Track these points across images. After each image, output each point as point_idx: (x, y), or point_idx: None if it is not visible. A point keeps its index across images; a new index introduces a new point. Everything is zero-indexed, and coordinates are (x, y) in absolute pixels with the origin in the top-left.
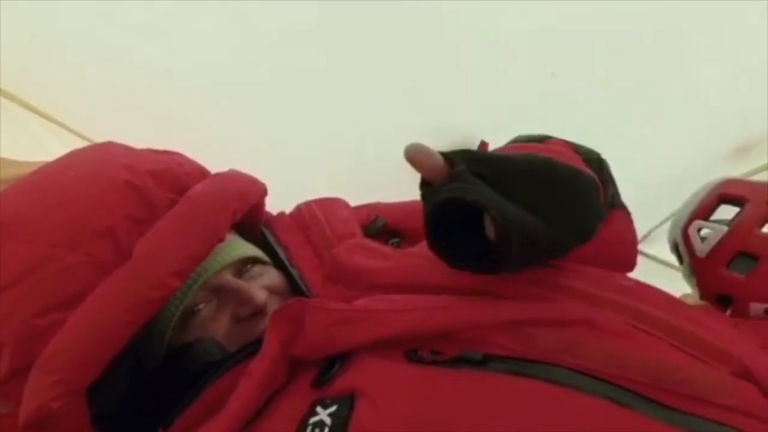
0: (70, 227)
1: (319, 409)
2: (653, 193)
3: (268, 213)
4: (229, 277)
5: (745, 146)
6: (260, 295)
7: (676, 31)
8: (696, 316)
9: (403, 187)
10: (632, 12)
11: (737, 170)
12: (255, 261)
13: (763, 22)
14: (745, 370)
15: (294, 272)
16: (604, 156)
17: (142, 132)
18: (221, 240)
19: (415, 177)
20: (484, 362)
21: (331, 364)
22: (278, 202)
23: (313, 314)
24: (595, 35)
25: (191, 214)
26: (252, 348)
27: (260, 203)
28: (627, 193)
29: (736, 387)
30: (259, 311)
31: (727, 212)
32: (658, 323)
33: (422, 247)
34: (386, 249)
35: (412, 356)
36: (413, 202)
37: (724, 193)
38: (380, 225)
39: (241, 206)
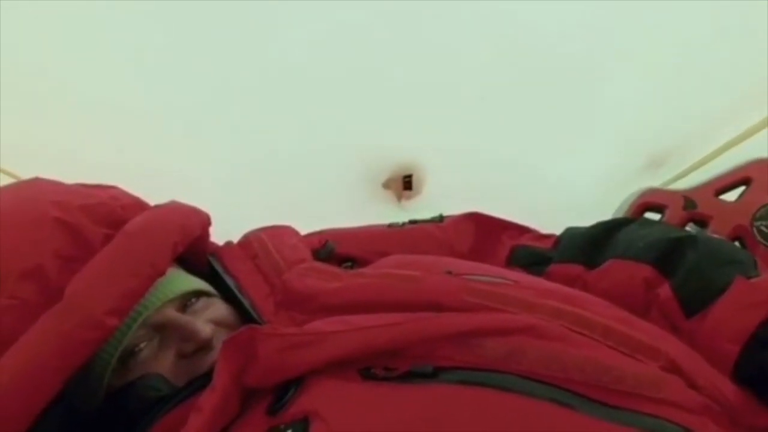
0: None
1: None
2: (582, 202)
3: (213, 243)
4: (171, 313)
5: (659, 159)
6: (205, 329)
7: (590, 49)
8: (627, 318)
9: (345, 216)
10: (551, 32)
11: (652, 182)
12: (199, 294)
13: (676, 38)
14: (672, 364)
15: (245, 301)
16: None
17: (73, 168)
18: (161, 274)
19: (359, 204)
20: (434, 374)
21: (285, 390)
22: (223, 232)
23: (265, 341)
24: (516, 58)
25: (127, 248)
26: (201, 381)
27: (204, 234)
28: (551, 204)
29: (664, 380)
30: (204, 346)
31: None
32: (594, 326)
33: (373, 267)
34: (337, 270)
35: (366, 374)
36: (364, 228)
37: (648, 202)
38: (330, 249)
39: (183, 239)
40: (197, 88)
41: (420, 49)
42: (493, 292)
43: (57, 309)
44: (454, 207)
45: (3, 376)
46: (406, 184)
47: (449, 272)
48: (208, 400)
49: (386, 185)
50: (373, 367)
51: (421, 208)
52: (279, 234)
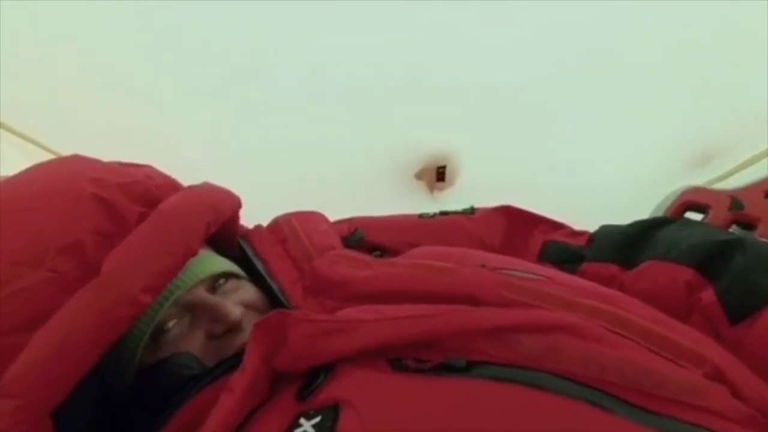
0: (32, 243)
1: (302, 420)
2: (617, 201)
3: (243, 226)
4: (202, 294)
5: (704, 157)
6: (235, 311)
7: (631, 44)
8: (667, 320)
9: (376, 206)
10: (590, 29)
11: (697, 180)
12: (229, 275)
13: (726, 33)
14: (717, 371)
15: (274, 285)
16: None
17: (109, 146)
18: (194, 254)
19: (390, 195)
20: (467, 369)
21: (315, 375)
22: (252, 216)
23: (296, 326)
24: (555, 53)
25: (163, 227)
26: (232, 362)
27: (235, 216)
28: (591, 201)
29: (708, 388)
30: (234, 328)
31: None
32: (633, 327)
33: (405, 257)
34: (368, 258)
35: (397, 365)
36: (394, 218)
37: (690, 201)
38: (359, 237)
39: (215, 219)
40: (232, 74)
41: (458, 41)
42: (530, 288)
43: (93, 285)
44: (487, 200)
45: (41, 349)
46: (440, 175)
47: (483, 266)
48: (239, 380)
49: (419, 176)
50: (404, 358)
51: (453, 200)
52: (309, 219)
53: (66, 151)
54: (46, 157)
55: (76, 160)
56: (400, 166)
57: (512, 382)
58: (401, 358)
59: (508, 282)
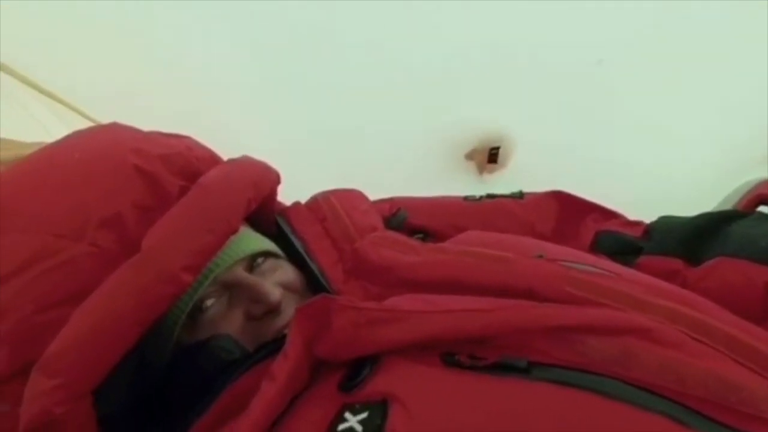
0: (74, 215)
1: (348, 415)
2: (678, 195)
3: (281, 203)
4: (241, 273)
5: None
6: (275, 292)
7: (705, 29)
8: (750, 327)
9: (424, 183)
10: (678, 16)
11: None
12: (268, 255)
13: None
14: None
15: (313, 266)
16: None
17: (149, 116)
18: (235, 232)
19: (435, 173)
20: (528, 370)
21: (360, 366)
22: (290, 194)
23: (341, 312)
24: (635, 32)
25: (204, 202)
26: (272, 347)
27: (273, 192)
28: (662, 193)
29: None
30: (273, 309)
31: None
32: (717, 334)
33: (454, 243)
34: (415, 243)
35: (449, 360)
36: (438, 199)
37: (763, 194)
38: (402, 218)
39: (256, 196)
40: (276, 50)
41: (521, 20)
42: (597, 284)
43: (134, 261)
44: (537, 186)
45: (81, 326)
46: (492, 156)
47: (540, 256)
48: (282, 367)
49: (469, 156)
50: (457, 353)
51: (502, 183)
52: (349, 198)
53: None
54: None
55: (116, 128)
56: (450, 146)
57: (578, 387)
58: (454, 353)
59: (571, 276)
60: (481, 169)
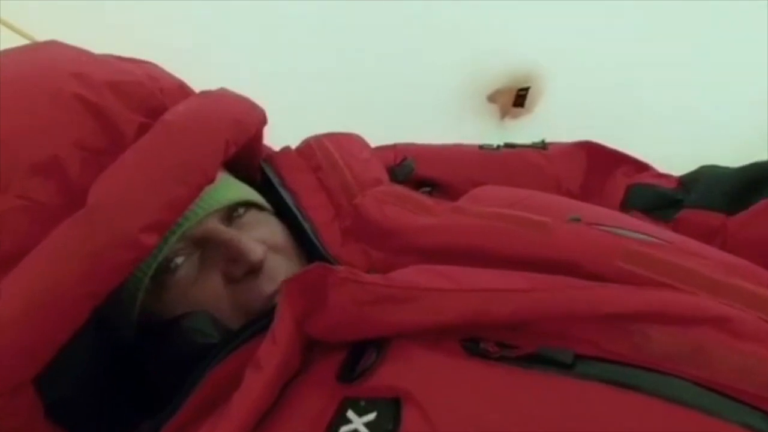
0: None
1: (351, 414)
2: (723, 152)
3: (267, 148)
4: (216, 226)
5: None
6: (257, 249)
7: None
8: None
9: (435, 126)
10: None
11: None
12: (249, 205)
13: None
14: None
15: (305, 224)
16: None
17: (106, 38)
18: (211, 181)
19: (450, 117)
20: (573, 364)
21: (361, 349)
22: (280, 135)
23: (341, 287)
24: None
25: (170, 144)
26: (257, 325)
27: (258, 134)
28: (694, 147)
29: None
30: (254, 269)
31: None
32: None
33: (472, 201)
34: (429, 200)
35: (473, 348)
36: (450, 147)
37: None
38: (409, 169)
39: (236, 137)
40: None
41: None
42: (658, 259)
43: (80, 219)
44: (566, 135)
45: (12, 302)
46: (519, 99)
47: (576, 219)
48: (270, 354)
49: (492, 98)
50: (482, 339)
51: (525, 131)
52: (347, 143)
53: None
54: None
55: (54, 47)
56: (472, 84)
57: (636, 388)
58: (479, 339)
59: (626, 248)
60: (503, 113)
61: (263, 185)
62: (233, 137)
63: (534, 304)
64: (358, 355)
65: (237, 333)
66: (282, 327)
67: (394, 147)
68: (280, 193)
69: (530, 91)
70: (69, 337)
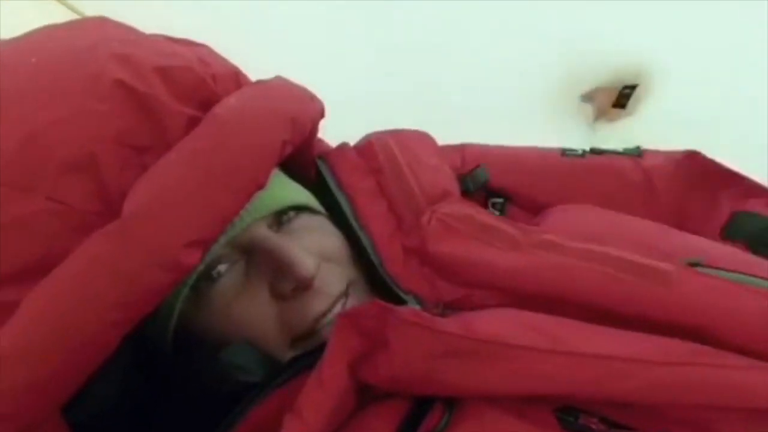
0: (22, 155)
1: None
2: None
3: (322, 142)
4: (263, 232)
5: None
6: (307, 262)
7: None
8: None
9: (511, 124)
10: None
11: None
12: (301, 209)
13: None
14: None
15: (362, 234)
16: None
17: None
18: (262, 188)
19: (534, 113)
20: None
21: (427, 405)
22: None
23: (408, 331)
24: None
25: (220, 145)
26: (304, 361)
27: (314, 130)
28: None
29: None
30: (304, 286)
31: None
32: None
33: (564, 230)
34: (510, 228)
35: (571, 423)
36: (527, 151)
37: None
38: (482, 178)
39: (293, 136)
40: None
41: None
42: None
43: (112, 233)
44: (667, 144)
45: (39, 320)
46: (621, 98)
47: (696, 264)
48: (314, 404)
49: (588, 97)
50: (583, 412)
51: (619, 136)
52: (414, 145)
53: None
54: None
55: (98, 24)
56: (567, 80)
57: None
58: (578, 411)
59: None
60: (599, 115)
61: (317, 185)
62: (290, 137)
63: (667, 382)
64: (423, 412)
65: (282, 369)
66: (331, 370)
67: (461, 148)
68: (336, 196)
69: (638, 91)
70: (95, 368)
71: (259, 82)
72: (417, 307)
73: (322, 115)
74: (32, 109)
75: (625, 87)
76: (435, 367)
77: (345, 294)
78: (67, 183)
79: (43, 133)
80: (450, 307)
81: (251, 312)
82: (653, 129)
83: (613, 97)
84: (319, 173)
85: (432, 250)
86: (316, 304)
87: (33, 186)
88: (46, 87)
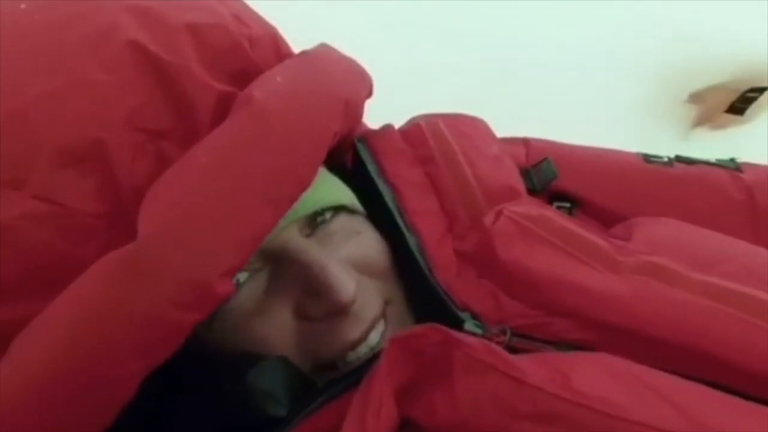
0: (3, 140)
1: None
2: None
3: (363, 125)
4: (295, 239)
5: None
6: (348, 287)
7: None
8: None
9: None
10: None
11: None
12: (339, 209)
13: None
14: None
15: (409, 236)
16: None
17: None
18: (305, 190)
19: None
20: None
21: None
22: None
23: (480, 376)
24: None
25: (263, 143)
26: (336, 388)
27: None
28: None
29: None
30: (342, 312)
31: None
32: None
33: (656, 245)
34: (600, 241)
35: None
36: (604, 153)
37: None
38: (549, 175)
39: (345, 125)
40: None
41: None
42: None
43: (128, 261)
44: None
45: (33, 366)
46: (741, 101)
47: None
48: None
49: (696, 98)
50: None
51: (717, 146)
52: (469, 131)
53: None
54: None
55: None
56: (667, 75)
57: None
58: None
59: None
60: (703, 120)
61: (354, 171)
62: (341, 126)
63: None
64: None
65: (311, 397)
66: (378, 410)
67: (524, 142)
68: (377, 185)
69: (764, 96)
70: (110, 421)
71: (304, 54)
72: (477, 329)
73: (370, 93)
74: (16, 77)
75: (751, 90)
76: (515, 427)
77: (381, 316)
78: (62, 177)
79: (30, 111)
80: (518, 334)
81: (270, 331)
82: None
83: (730, 100)
84: (356, 158)
85: (501, 256)
86: (349, 331)
87: (17, 181)
88: (36, 48)
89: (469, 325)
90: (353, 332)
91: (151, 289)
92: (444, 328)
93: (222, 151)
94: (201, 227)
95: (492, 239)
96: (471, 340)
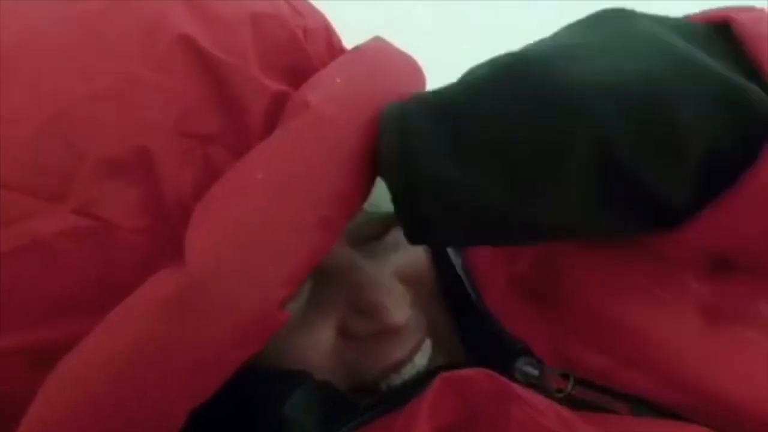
0: (41, 147)
1: None
2: None
3: None
4: (344, 252)
5: None
6: (402, 310)
7: None
8: None
9: None
10: None
11: None
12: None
13: None
14: None
15: (454, 253)
16: None
17: None
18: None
19: None
20: None
21: None
22: None
23: None
24: None
25: (324, 156)
26: (376, 410)
27: None
28: None
29: None
30: (391, 333)
31: None
32: None
33: None
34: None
35: None
36: None
37: None
38: None
39: None
40: None
41: None
42: None
43: (183, 294)
44: None
45: (72, 406)
46: None
47: None
48: None
49: None
50: None
51: None
52: None
53: None
54: None
55: None
56: None
57: None
58: None
59: None
60: None
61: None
62: None
63: None
64: None
65: (344, 421)
66: None
67: None
68: None
69: None
70: None
71: (358, 50)
72: (533, 370)
73: (423, 87)
74: (56, 77)
75: None
76: None
77: (428, 335)
78: (104, 189)
79: (71, 115)
80: (582, 383)
81: (309, 349)
82: None
83: None
84: None
85: (564, 285)
86: (396, 350)
87: (57, 193)
88: (78, 43)
89: (520, 364)
90: (400, 352)
91: (209, 330)
92: (501, 378)
93: (279, 167)
94: (258, 258)
95: (557, 262)
96: (535, 399)
